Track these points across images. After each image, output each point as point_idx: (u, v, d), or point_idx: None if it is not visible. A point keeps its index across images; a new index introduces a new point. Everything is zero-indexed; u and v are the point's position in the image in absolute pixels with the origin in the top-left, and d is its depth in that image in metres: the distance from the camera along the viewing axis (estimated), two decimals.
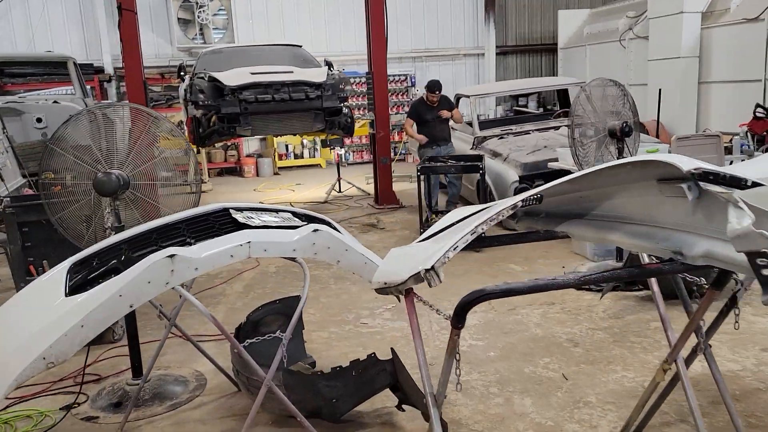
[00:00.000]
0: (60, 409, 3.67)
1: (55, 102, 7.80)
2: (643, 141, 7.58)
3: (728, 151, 6.81)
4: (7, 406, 3.74)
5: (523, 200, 2.45)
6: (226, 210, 2.97)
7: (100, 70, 13.08)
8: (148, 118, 3.77)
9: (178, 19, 13.60)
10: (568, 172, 7.03)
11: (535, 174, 7.28)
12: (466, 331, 4.55)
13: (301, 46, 9.21)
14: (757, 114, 6.91)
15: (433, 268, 2.33)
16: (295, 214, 3.17)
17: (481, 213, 2.61)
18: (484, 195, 7.43)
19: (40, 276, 2.77)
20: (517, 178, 7.23)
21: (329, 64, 8.67)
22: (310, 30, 14.12)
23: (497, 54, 15.53)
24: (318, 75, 7.28)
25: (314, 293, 5.67)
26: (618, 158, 5.52)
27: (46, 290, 2.61)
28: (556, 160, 7.13)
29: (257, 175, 13.78)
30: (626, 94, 5.61)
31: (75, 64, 8.57)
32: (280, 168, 14.09)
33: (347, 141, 13.51)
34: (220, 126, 6.93)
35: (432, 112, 7.81)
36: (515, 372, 3.86)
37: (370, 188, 10.91)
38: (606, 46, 12.88)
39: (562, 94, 9.73)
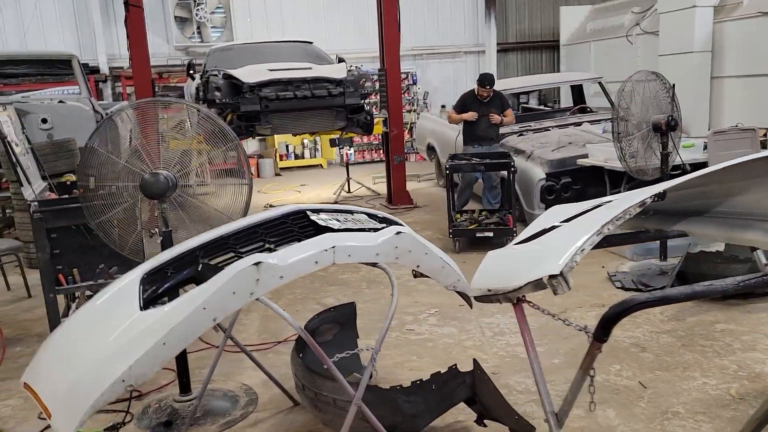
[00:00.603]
0: (105, 430, 3.40)
1: (60, 102, 7.47)
2: None
3: (763, 145, 6.67)
4: (44, 429, 3.46)
5: (652, 196, 2.24)
6: (302, 212, 2.72)
7: (95, 71, 12.70)
8: (197, 115, 3.51)
9: (175, 17, 13.26)
10: (599, 169, 6.90)
11: (561, 171, 7.09)
12: (514, 334, 4.34)
13: (312, 43, 8.96)
14: None
15: (561, 273, 2.12)
16: (369, 215, 2.93)
17: (602, 211, 2.39)
18: (509, 193, 7.23)
19: (106, 287, 2.50)
20: (544, 176, 7.02)
21: (342, 61, 8.42)
22: (310, 27, 13.83)
23: (498, 51, 15.35)
24: (338, 71, 7.03)
25: (348, 299, 5.42)
26: (662, 152, 5.35)
27: (118, 304, 2.34)
28: (583, 156, 6.96)
29: (258, 176, 13.48)
30: (668, 87, 5.44)
31: (79, 62, 8.24)
32: (281, 169, 13.80)
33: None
34: (238, 125, 6.66)
35: (481, 107, 7.32)
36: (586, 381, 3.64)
37: (379, 188, 10.69)
38: (611, 42, 12.74)
39: (576, 90, 9.56)
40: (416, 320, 4.78)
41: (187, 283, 2.47)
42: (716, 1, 10.04)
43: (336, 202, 9.90)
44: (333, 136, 9.59)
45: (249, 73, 6.78)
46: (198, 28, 13.44)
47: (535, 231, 2.54)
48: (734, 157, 6.06)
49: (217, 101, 6.67)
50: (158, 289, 2.38)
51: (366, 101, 7.08)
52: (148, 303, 2.33)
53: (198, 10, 13.22)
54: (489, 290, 2.38)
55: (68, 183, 4.85)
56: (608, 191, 6.63)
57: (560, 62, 14.70)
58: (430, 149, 10.65)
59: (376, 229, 2.71)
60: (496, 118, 7.26)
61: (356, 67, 7.44)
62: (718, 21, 10.04)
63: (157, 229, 3.43)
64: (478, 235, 6.47)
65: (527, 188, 7.15)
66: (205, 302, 2.23)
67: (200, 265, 2.43)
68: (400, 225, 2.95)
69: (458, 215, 7.07)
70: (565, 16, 14.43)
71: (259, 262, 2.29)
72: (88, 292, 4.28)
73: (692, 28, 10.08)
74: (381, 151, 14.31)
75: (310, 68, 7.13)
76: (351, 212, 2.88)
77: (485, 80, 7.21)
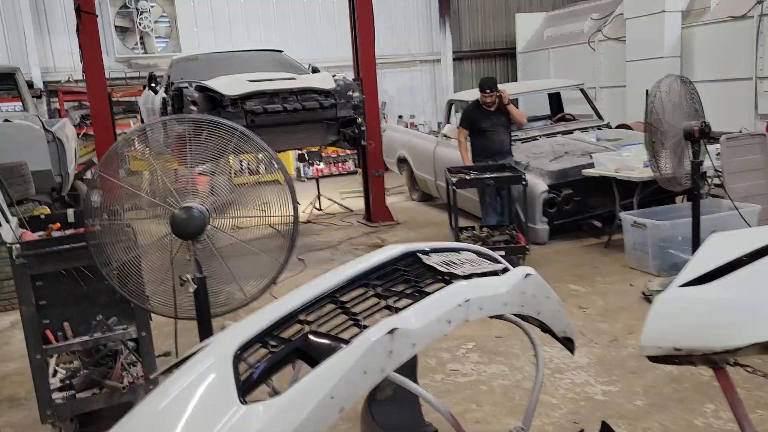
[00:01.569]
0: None
1: (6, 121, 6.56)
2: None
3: None
4: None
5: None
6: (412, 254, 2.16)
7: (29, 85, 11.57)
8: (231, 133, 2.89)
9: (116, 27, 12.31)
10: (601, 179, 6.59)
11: (562, 183, 6.75)
12: (585, 372, 3.90)
13: (282, 51, 8.34)
14: None
15: None
16: (478, 252, 2.41)
17: None
18: (508, 207, 6.85)
19: (179, 369, 1.87)
20: (546, 188, 6.66)
21: (317, 71, 7.85)
22: (261, 36, 13.16)
23: (453, 60, 15.09)
24: (324, 81, 6.45)
25: None
26: (694, 161, 5.04)
27: (207, 394, 1.72)
28: (586, 166, 6.65)
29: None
30: (694, 91, 5.15)
31: (22, 76, 7.33)
32: (236, 186, 12.97)
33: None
34: None
35: (489, 118, 6.67)
36: (686, 427, 3.23)
37: (351, 203, 10.13)
38: (572, 49, 12.68)
39: (555, 98, 9.31)
40: (455, 358, 4.27)
41: (292, 361, 1.88)
42: (684, 6, 10.05)
43: (309, 222, 9.27)
44: (303, 151, 8.97)
45: (228, 85, 6.12)
46: (141, 38, 12.53)
47: (709, 267, 2.08)
48: (747, 163, 5.81)
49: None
50: (255, 372, 1.78)
51: (357, 113, 6.52)
52: (245, 391, 1.72)
53: (141, 19, 12.32)
54: (678, 349, 1.89)
55: (42, 216, 4.08)
56: (617, 202, 6.32)
57: (517, 70, 14.58)
58: (402, 161, 10.19)
59: (495, 272, 2.19)
60: (506, 95, 6.63)
61: (342, 76, 6.90)
62: (686, 26, 10.05)
63: (189, 276, 2.78)
64: None
65: (528, 201, 6.76)
66: (333, 390, 1.64)
67: (307, 335, 1.85)
68: (495, 260, 2.44)
69: (460, 233, 6.62)
70: (520, 24, 14.33)
71: (393, 329, 1.73)
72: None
73: (662, 33, 10.06)
74: (345, 164, 13.78)
75: (294, 78, 6.52)
76: (457, 250, 2.35)
77: (485, 84, 6.64)
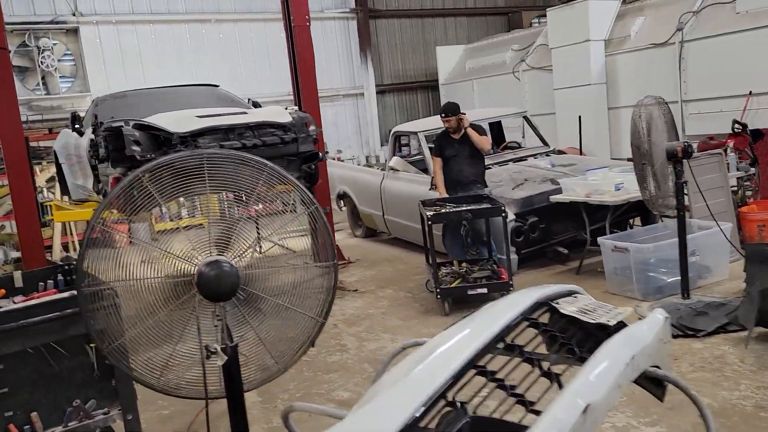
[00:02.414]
0: None
1: None
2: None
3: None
4: None
5: None
6: (545, 303, 1.78)
7: None
8: (262, 171, 2.42)
9: (15, 66, 11.23)
10: (565, 205, 6.49)
11: (528, 210, 6.60)
12: (621, 414, 3.62)
13: (218, 86, 7.79)
14: (735, 130, 6.89)
15: None
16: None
17: None
18: (487, 239, 6.52)
19: None
20: (514, 217, 6.47)
21: (258, 105, 7.37)
22: (172, 72, 12.43)
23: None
24: (279, 115, 5.98)
25: (361, 388, 4.38)
26: (677, 181, 4.98)
27: None
28: (553, 192, 6.54)
29: (131, 244, 11.64)
30: (668, 112, 5.13)
31: None
32: (158, 233, 12.07)
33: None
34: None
35: (453, 146, 6.34)
36: None
37: (292, 244, 9.55)
38: (495, 79, 12.87)
39: (496, 126, 9.27)
40: None
41: None
42: (606, 35, 10.38)
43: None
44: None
45: (175, 121, 5.52)
46: (43, 78, 11.52)
47: None
48: (708, 182, 5.81)
49: (138, 157, 5.33)
50: None
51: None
52: None
53: (43, 58, 11.34)
54: None
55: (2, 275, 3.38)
56: (587, 227, 6.22)
57: (440, 101, 14.63)
58: (342, 197, 9.79)
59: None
60: (466, 119, 6.29)
61: (294, 109, 6.47)
62: (609, 54, 10.38)
63: (217, 346, 2.26)
64: (470, 292, 5.69)
65: (497, 233, 6.54)
66: None
67: (468, 423, 1.42)
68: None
69: (438, 269, 6.27)
70: (441, 56, 14.45)
71: (587, 407, 1.34)
72: None
73: (587, 61, 10.33)
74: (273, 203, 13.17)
75: (246, 113, 6.02)
76: (572, 293, 1.99)
77: (443, 109, 6.36)
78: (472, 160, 6.43)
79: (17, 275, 3.42)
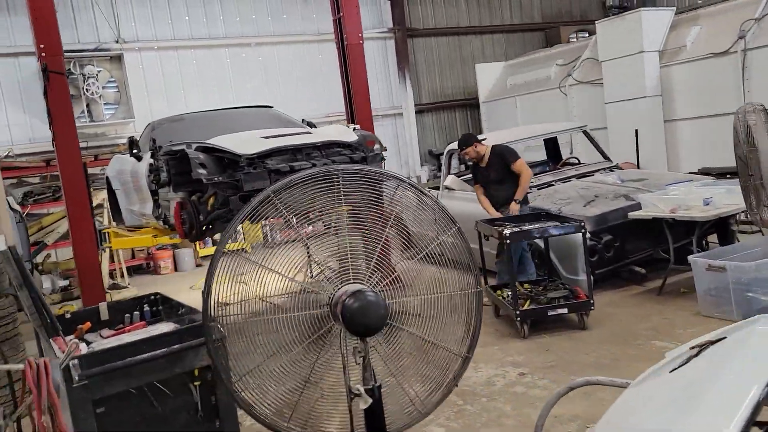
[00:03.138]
0: None
1: None
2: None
3: None
4: None
5: None
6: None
7: None
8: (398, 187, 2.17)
9: None
10: (641, 222, 6.16)
11: (602, 229, 6.28)
12: None
13: (272, 107, 7.63)
14: None
15: None
16: None
17: None
18: (547, 259, 6.27)
19: None
20: (588, 235, 6.15)
21: (313, 125, 7.19)
22: (216, 98, 12.35)
23: None
24: (345, 133, 5.78)
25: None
26: None
27: None
28: (628, 208, 6.23)
29: (176, 270, 11.52)
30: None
31: None
32: (202, 257, 11.94)
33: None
34: (232, 209, 5.14)
35: (482, 173, 6.55)
36: None
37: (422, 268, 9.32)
38: (539, 95, 12.60)
39: (551, 143, 8.98)
40: None
41: None
42: (660, 45, 10.08)
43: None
44: None
45: (241, 143, 5.33)
46: (88, 105, 11.51)
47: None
48: None
49: (204, 180, 5.14)
50: None
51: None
52: None
53: (89, 85, 11.33)
54: None
55: (67, 315, 3.16)
56: (671, 245, 5.88)
57: (481, 119, 14.40)
58: None
59: None
60: (514, 209, 6.30)
61: (357, 127, 6.27)
62: (664, 65, 10.05)
63: (360, 388, 2.00)
64: (550, 313, 5.39)
65: (567, 251, 6.23)
66: None
67: None
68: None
69: (498, 293, 5.99)
70: (481, 74, 14.22)
71: None
72: None
73: (641, 73, 10.02)
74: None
75: (310, 133, 5.82)
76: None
77: (459, 144, 6.64)
78: (501, 185, 6.48)
79: (103, 307, 3.21)
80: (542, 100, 12.48)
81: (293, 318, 2.15)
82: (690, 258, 5.37)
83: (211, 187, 5.28)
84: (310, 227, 2.56)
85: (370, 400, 1.97)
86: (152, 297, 3.43)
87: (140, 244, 9.27)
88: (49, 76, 6.09)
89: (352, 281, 2.10)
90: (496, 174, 6.49)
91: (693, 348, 1.56)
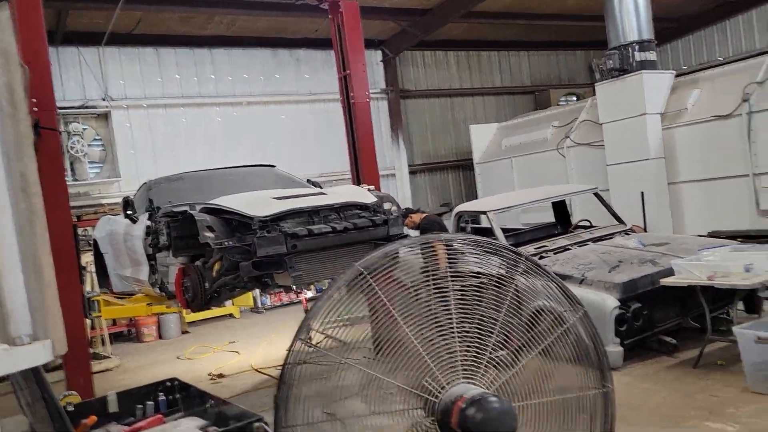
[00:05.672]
0: None
1: None
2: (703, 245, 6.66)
3: None
4: None
5: None
6: None
7: None
8: (516, 262, 1.76)
9: None
10: (669, 290, 5.82)
11: (632, 296, 5.92)
12: None
13: (275, 166, 7.27)
14: None
15: None
16: None
17: None
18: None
19: None
20: (618, 303, 5.79)
21: (318, 185, 6.84)
22: (206, 158, 11.98)
23: None
24: (361, 195, 5.41)
25: None
26: None
27: None
28: (658, 275, 5.89)
29: (160, 337, 10.84)
30: None
31: None
32: (188, 323, 11.29)
33: None
34: (242, 276, 4.69)
35: None
36: None
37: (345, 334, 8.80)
38: (536, 157, 12.45)
39: (559, 205, 8.72)
40: None
41: None
42: (662, 108, 10.02)
43: (302, 362, 7.82)
44: None
45: (251, 204, 4.93)
46: (72, 163, 11.06)
47: None
48: None
49: (212, 244, 4.69)
50: None
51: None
52: None
53: (73, 143, 10.91)
54: None
55: (69, 408, 2.65)
56: (708, 314, 5.52)
57: (476, 180, 14.20)
58: None
59: None
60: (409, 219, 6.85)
61: (372, 188, 5.92)
62: (666, 127, 9.97)
63: None
64: None
65: (596, 321, 5.82)
66: None
67: None
68: None
69: None
70: (475, 134, 14.12)
71: None
72: None
73: (644, 135, 9.93)
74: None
75: (325, 194, 5.44)
76: None
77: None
78: None
79: (111, 397, 2.70)
80: (539, 161, 12.32)
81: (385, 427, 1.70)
82: (735, 329, 5.00)
83: (217, 252, 4.83)
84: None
85: None
86: (168, 384, 2.94)
87: (134, 314, 8.60)
88: (41, 133, 5.66)
89: (462, 380, 1.67)
90: None
91: None
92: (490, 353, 1.76)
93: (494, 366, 1.78)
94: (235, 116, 12.82)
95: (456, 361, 1.69)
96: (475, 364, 1.71)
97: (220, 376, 7.46)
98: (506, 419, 1.54)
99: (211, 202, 5.18)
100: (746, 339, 4.90)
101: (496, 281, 1.82)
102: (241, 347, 9.24)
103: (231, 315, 11.99)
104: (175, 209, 5.37)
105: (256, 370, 7.51)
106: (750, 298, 6.42)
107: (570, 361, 1.97)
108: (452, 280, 1.78)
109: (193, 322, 11.42)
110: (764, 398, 4.75)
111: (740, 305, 6.53)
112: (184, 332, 11.07)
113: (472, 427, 1.53)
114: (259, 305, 12.14)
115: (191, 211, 4.98)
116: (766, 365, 4.81)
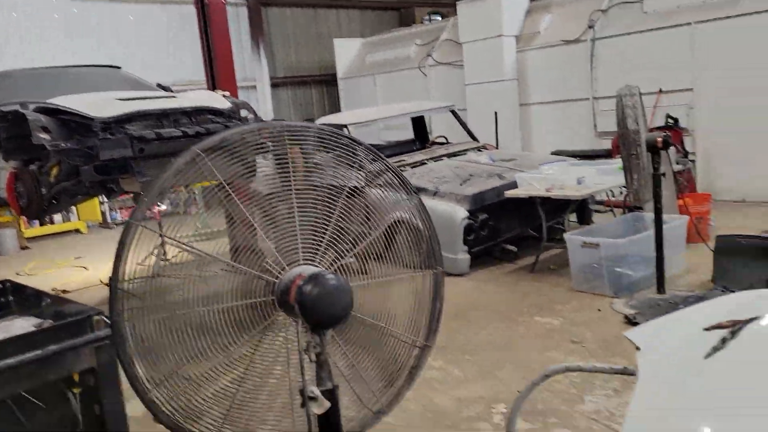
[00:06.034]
0: None
1: None
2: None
3: None
4: None
5: None
6: None
7: None
8: (356, 150, 1.78)
9: None
10: (513, 201, 6.24)
11: (480, 207, 6.28)
12: None
13: (120, 68, 6.74)
14: (669, 123, 6.99)
15: None
16: None
17: None
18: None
19: None
20: (467, 214, 6.12)
21: (168, 89, 6.47)
22: (42, 61, 10.86)
23: None
24: (216, 100, 5.17)
25: None
26: (655, 173, 4.84)
27: None
28: (504, 187, 6.27)
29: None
30: (638, 104, 4.98)
31: None
32: (29, 239, 10.50)
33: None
34: (89, 179, 4.39)
35: None
36: None
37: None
38: (399, 74, 12.55)
39: (417, 122, 8.91)
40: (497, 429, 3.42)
41: None
42: (518, 31, 10.38)
43: (156, 275, 7.61)
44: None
45: (93, 105, 4.55)
46: None
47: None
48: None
49: (48, 147, 4.32)
50: None
51: None
52: None
53: None
54: None
55: None
56: (544, 223, 5.99)
57: (339, 96, 14.10)
58: None
59: None
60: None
61: (227, 94, 5.65)
62: (520, 50, 10.38)
63: (315, 390, 1.62)
64: None
65: (447, 230, 6.15)
66: None
67: None
68: None
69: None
70: (339, 49, 13.90)
71: None
72: None
73: (500, 57, 10.27)
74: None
75: (175, 97, 5.14)
76: None
77: None
78: None
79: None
80: (402, 79, 12.43)
81: (226, 311, 1.71)
82: (566, 236, 5.49)
83: (55, 155, 4.48)
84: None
85: (328, 405, 1.61)
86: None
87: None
88: None
89: (301, 262, 1.70)
90: None
91: (724, 328, 1.36)
92: (330, 237, 1.81)
93: (334, 250, 1.84)
94: (75, 13, 11.64)
95: (296, 244, 1.72)
96: (315, 247, 1.75)
97: (65, 291, 7.08)
98: (341, 295, 1.61)
99: (47, 101, 4.74)
100: (574, 244, 5.40)
101: (335, 166, 1.85)
102: (89, 263, 8.78)
103: (78, 230, 11.29)
104: (4, 108, 4.86)
105: (105, 284, 7.20)
106: (582, 211, 7.05)
107: (408, 248, 2.07)
108: (293, 171, 1.78)
109: (34, 238, 10.65)
110: (585, 296, 5.31)
111: (573, 217, 7.19)
112: (23, 248, 10.29)
113: (308, 302, 1.58)
114: (109, 220, 11.52)
115: (23, 110, 4.53)
116: (589, 267, 5.36)
